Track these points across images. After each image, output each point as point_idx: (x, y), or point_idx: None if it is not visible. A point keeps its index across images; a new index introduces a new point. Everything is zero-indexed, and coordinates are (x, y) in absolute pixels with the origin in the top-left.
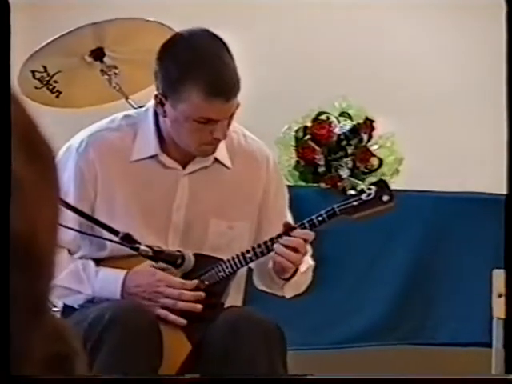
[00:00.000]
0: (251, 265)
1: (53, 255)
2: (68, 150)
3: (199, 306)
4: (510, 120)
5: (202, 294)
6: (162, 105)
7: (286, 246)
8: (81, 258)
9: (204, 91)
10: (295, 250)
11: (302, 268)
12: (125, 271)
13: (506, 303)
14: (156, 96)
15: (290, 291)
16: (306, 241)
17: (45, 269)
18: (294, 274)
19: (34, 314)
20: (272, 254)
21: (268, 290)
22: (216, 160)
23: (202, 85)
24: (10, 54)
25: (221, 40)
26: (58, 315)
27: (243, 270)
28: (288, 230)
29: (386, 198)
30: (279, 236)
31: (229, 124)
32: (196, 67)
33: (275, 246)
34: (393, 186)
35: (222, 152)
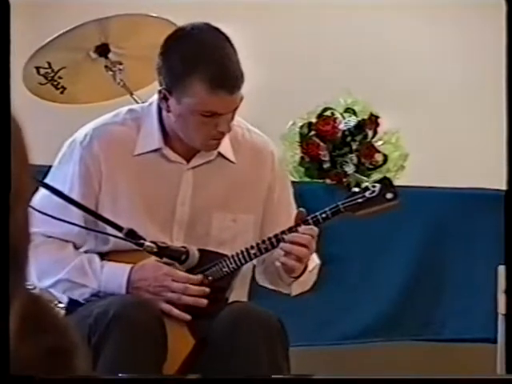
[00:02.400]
0: (254, 261)
1: (22, 199)
2: (72, 144)
3: (204, 301)
4: (509, 118)
5: (207, 289)
6: (166, 100)
7: (294, 243)
8: (86, 252)
9: (209, 84)
10: (304, 246)
11: (310, 266)
12: (130, 265)
13: (506, 299)
14: (160, 91)
15: (297, 289)
16: (312, 237)
17: (14, 213)
18: (303, 272)
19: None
20: (278, 251)
21: (272, 287)
22: (220, 154)
23: (206, 78)
24: (9, 53)
25: (223, 33)
26: (63, 311)
27: (249, 265)
28: (300, 221)
29: (389, 195)
30: (283, 232)
31: (233, 117)
32: (200, 61)
33: (282, 245)
34: (398, 182)
35: (225, 146)
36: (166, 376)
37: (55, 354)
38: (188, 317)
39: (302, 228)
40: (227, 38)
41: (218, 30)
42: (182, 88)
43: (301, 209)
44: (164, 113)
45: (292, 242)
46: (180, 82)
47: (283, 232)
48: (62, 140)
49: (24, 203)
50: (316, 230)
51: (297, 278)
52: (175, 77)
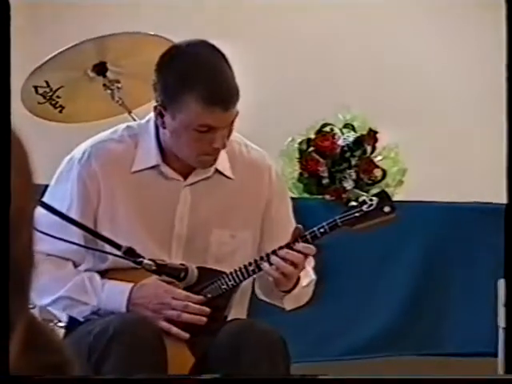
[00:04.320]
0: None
1: (26, 219)
2: (70, 162)
3: (204, 319)
4: (509, 131)
5: (207, 309)
6: (162, 116)
7: (284, 259)
8: (86, 270)
9: (202, 100)
10: (293, 263)
11: (304, 282)
12: (131, 284)
13: (506, 312)
14: (155, 107)
15: (289, 303)
16: (306, 256)
17: (19, 232)
18: (295, 286)
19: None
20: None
21: (269, 301)
22: (217, 171)
23: (200, 94)
24: (10, 53)
25: (218, 50)
26: (63, 329)
27: (248, 283)
28: (298, 237)
29: (387, 208)
30: (281, 248)
31: (229, 133)
32: (194, 77)
33: (272, 258)
34: (397, 197)
35: (223, 163)
36: (165, 376)
37: (55, 371)
38: (186, 335)
39: (301, 245)
40: (223, 55)
41: (213, 46)
42: (175, 104)
43: (298, 225)
44: (161, 129)
45: (283, 258)
46: (174, 99)
47: (281, 248)
48: (61, 159)
49: (28, 225)
50: (314, 249)
51: (287, 292)
52: (169, 94)
